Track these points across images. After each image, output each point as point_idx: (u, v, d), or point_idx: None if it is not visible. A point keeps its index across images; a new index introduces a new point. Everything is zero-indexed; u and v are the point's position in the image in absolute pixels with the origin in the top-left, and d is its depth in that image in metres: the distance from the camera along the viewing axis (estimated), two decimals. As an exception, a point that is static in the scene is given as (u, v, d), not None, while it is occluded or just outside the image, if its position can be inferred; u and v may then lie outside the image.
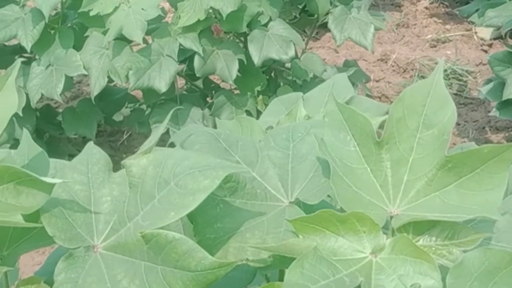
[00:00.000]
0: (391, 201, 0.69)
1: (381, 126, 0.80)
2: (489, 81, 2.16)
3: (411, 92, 0.73)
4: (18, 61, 0.70)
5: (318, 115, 0.98)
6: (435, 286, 0.60)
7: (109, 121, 2.31)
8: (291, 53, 1.92)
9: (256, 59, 1.91)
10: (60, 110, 2.38)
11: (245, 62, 1.95)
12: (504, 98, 2.00)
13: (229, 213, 0.70)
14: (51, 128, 2.27)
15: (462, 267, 0.61)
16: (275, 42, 1.91)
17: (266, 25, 1.95)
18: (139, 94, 2.41)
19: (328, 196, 0.74)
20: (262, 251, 0.67)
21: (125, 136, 2.59)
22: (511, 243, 0.69)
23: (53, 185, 0.63)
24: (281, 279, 0.80)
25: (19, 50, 2.20)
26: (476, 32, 3.15)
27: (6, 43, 2.18)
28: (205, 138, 0.74)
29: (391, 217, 0.68)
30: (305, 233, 0.66)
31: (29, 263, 2.08)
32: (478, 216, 0.66)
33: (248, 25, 1.94)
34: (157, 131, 0.74)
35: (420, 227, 0.66)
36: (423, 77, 2.86)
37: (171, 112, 0.83)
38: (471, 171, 0.68)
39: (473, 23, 3.07)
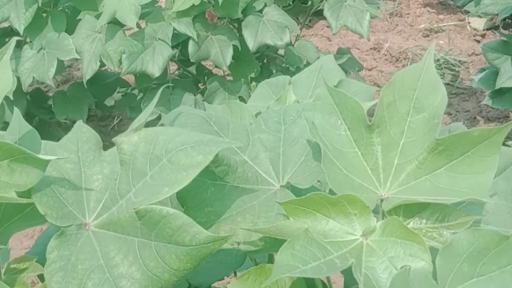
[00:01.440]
0: (382, 185, 0.70)
1: (370, 111, 0.80)
2: (482, 70, 2.17)
3: (402, 76, 0.73)
4: (13, 39, 0.70)
5: (308, 99, 0.98)
6: (425, 268, 0.61)
7: (100, 106, 2.30)
8: (286, 39, 1.91)
9: (251, 45, 1.90)
10: (51, 94, 2.37)
11: (240, 48, 1.95)
12: (497, 86, 2.01)
13: (220, 197, 0.70)
14: (41, 112, 2.26)
15: (452, 248, 0.62)
16: (270, 28, 1.91)
17: (261, 11, 1.94)
18: (130, 79, 2.40)
19: (318, 181, 0.74)
20: (253, 235, 0.68)
21: (115, 121, 2.59)
22: (500, 225, 0.69)
23: (47, 162, 0.63)
24: (270, 263, 0.80)
25: (10, 32, 2.18)
26: (469, 22, 3.15)
27: (-3, 26, 2.16)
28: (196, 120, 0.74)
29: (382, 200, 0.68)
30: (296, 216, 0.66)
31: (18, 246, 2.07)
32: (469, 198, 0.67)
33: (243, 11, 1.93)
34: (147, 109, 0.74)
35: (411, 209, 0.67)
36: (415, 66, 2.85)
37: (160, 89, 0.83)
38: (461, 154, 0.69)
39: (467, 12, 3.07)
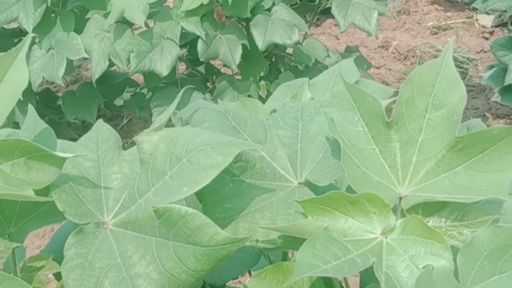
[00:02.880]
0: (400, 182, 0.69)
1: (386, 109, 0.80)
2: (491, 67, 2.15)
3: (421, 72, 0.73)
4: (29, 36, 0.69)
5: (324, 97, 0.97)
6: (446, 267, 0.60)
7: (109, 106, 2.30)
8: (295, 37, 1.91)
9: (260, 44, 1.90)
10: (60, 94, 2.37)
11: (248, 47, 1.94)
12: (506, 83, 2.00)
13: (238, 193, 0.70)
14: (51, 112, 2.26)
15: (472, 246, 0.61)
16: (278, 26, 1.90)
17: (269, 9, 1.94)
18: (139, 78, 2.40)
19: (335, 180, 0.73)
20: (272, 232, 0.67)
21: (124, 121, 2.59)
22: (519, 223, 0.69)
23: (64, 159, 0.62)
24: (284, 261, 0.80)
25: (18, 33, 2.19)
26: (477, 20, 3.14)
27: (5, 26, 2.16)
28: (214, 115, 0.74)
29: (400, 198, 0.68)
30: (315, 214, 0.65)
31: (29, 246, 2.08)
32: (488, 197, 0.66)
33: (251, 10, 1.93)
34: (168, 110, 0.73)
35: (430, 208, 0.66)
36: (424, 64, 2.85)
37: (181, 92, 0.82)
38: (480, 152, 0.68)
39: (475, 9, 3.06)
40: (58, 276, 0.73)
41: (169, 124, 0.79)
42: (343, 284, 0.77)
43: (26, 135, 0.71)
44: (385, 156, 0.70)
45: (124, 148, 0.72)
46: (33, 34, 0.75)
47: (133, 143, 0.71)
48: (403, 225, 0.64)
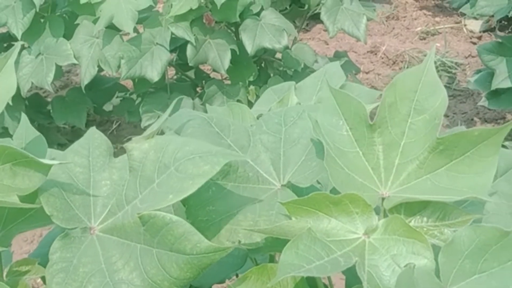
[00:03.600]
0: (383, 184, 0.70)
1: (371, 114, 0.81)
2: (478, 71, 2.18)
3: (403, 78, 0.74)
4: (18, 44, 0.70)
5: (310, 102, 0.98)
6: (428, 265, 0.61)
7: (98, 111, 2.31)
8: (284, 42, 1.92)
9: (250, 48, 1.91)
10: (49, 99, 2.37)
11: (237, 52, 1.96)
12: (493, 88, 2.02)
13: (221, 196, 0.70)
14: (40, 117, 2.26)
15: (453, 245, 0.62)
16: (267, 31, 1.92)
17: (258, 14, 1.95)
18: (129, 83, 2.41)
19: (318, 182, 0.74)
20: (254, 234, 0.68)
21: (114, 126, 2.59)
22: (501, 225, 0.70)
23: (49, 166, 0.63)
24: (271, 263, 0.80)
25: (7, 38, 2.19)
26: (465, 25, 3.16)
27: (-5, 32, 2.17)
28: (197, 122, 0.74)
29: (383, 199, 0.69)
30: (298, 215, 0.66)
31: (17, 251, 2.07)
32: (469, 197, 0.67)
33: (240, 15, 1.94)
34: (160, 119, 0.74)
35: (412, 208, 0.67)
36: (412, 69, 2.86)
37: (174, 101, 0.83)
38: (461, 154, 0.69)
39: (463, 14, 3.09)
40: (45, 279, 0.73)
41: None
42: (328, 285, 0.78)
43: (18, 143, 0.72)
44: (368, 159, 0.71)
45: (113, 153, 0.72)
46: (22, 42, 0.75)
47: (123, 149, 0.72)
48: (385, 225, 0.65)
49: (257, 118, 0.95)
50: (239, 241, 0.67)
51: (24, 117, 0.76)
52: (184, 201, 0.69)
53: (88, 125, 2.34)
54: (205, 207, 0.69)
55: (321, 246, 0.62)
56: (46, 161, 0.63)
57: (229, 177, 0.70)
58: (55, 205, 0.66)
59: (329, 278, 0.77)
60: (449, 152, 0.70)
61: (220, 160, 0.66)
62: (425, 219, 0.67)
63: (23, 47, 2.03)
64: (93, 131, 0.73)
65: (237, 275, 0.99)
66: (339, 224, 0.66)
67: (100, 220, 0.67)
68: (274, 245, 0.68)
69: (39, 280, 0.76)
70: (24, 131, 0.75)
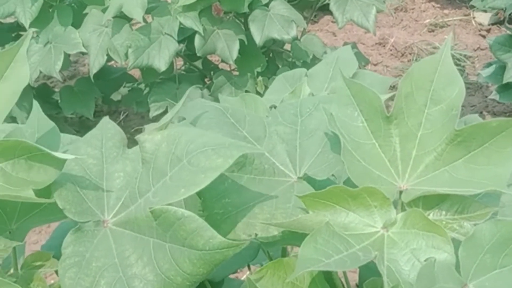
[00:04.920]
0: (400, 176, 0.69)
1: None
2: (488, 64, 2.16)
3: (419, 68, 0.73)
4: (30, 31, 0.69)
5: (323, 92, 0.97)
6: (448, 260, 0.60)
7: (107, 101, 2.30)
8: (293, 33, 1.90)
9: (258, 39, 1.89)
10: (56, 89, 2.36)
11: (246, 43, 1.94)
12: (505, 81, 2.00)
13: (237, 189, 0.69)
14: (48, 107, 2.25)
15: (474, 239, 0.61)
16: (276, 22, 1.90)
17: (267, 5, 1.93)
18: (137, 74, 2.40)
19: (332, 175, 0.73)
20: (271, 227, 0.67)
21: (122, 116, 2.58)
22: (517, 217, 0.69)
23: (64, 160, 0.62)
24: (283, 256, 0.80)
25: (15, 28, 2.18)
26: (474, 17, 3.14)
27: (2, 21, 2.15)
28: (212, 112, 0.73)
29: (400, 192, 0.68)
30: (315, 209, 0.65)
31: (26, 241, 2.07)
32: (488, 190, 0.66)
33: (249, 5, 1.92)
34: (174, 108, 0.73)
35: (430, 201, 0.66)
36: (421, 61, 2.85)
37: (187, 92, 0.82)
38: (479, 145, 0.68)
39: (472, 7, 3.06)
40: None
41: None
42: (343, 279, 0.77)
43: (30, 131, 0.70)
44: (384, 151, 0.70)
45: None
46: (34, 29, 0.74)
47: (130, 139, 0.71)
48: (404, 218, 0.64)
49: (270, 109, 0.94)
50: (256, 234, 0.66)
51: (36, 104, 0.74)
52: (200, 194, 0.68)
53: (95, 115, 2.34)
54: (221, 199, 0.68)
55: (340, 240, 0.61)
56: (61, 155, 0.61)
57: (245, 169, 0.69)
58: (68, 199, 0.65)
59: (344, 272, 0.77)
60: (467, 143, 0.69)
61: (234, 153, 0.64)
62: (443, 212, 0.66)
63: (31, 36, 2.02)
64: (106, 121, 0.72)
65: (248, 266, 0.98)
66: (357, 217, 0.65)
67: (113, 213, 0.65)
68: (291, 238, 0.67)
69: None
70: (36, 119, 0.74)
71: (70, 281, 0.62)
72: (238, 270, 1.02)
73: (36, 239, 2.11)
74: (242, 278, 1.69)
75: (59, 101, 2.17)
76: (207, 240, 0.61)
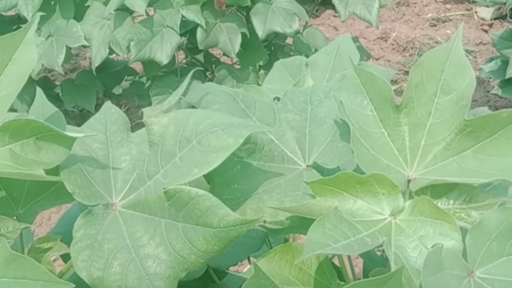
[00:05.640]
0: (409, 165, 0.69)
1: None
2: (491, 59, 2.16)
3: (430, 57, 0.73)
4: (37, 14, 0.69)
5: (325, 82, 0.96)
6: (455, 247, 0.60)
7: (108, 94, 2.29)
8: (295, 26, 1.90)
9: (260, 32, 1.89)
10: (58, 82, 2.36)
11: (248, 36, 1.94)
12: (507, 76, 2.00)
13: (246, 175, 0.70)
14: (49, 100, 2.24)
15: (481, 227, 0.61)
16: (279, 15, 1.90)
17: (269, -2, 1.93)
18: (138, 67, 2.39)
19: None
20: (279, 213, 0.67)
21: (123, 110, 2.57)
22: (525, 208, 0.69)
23: (74, 139, 0.62)
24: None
25: (17, 20, 2.17)
26: (476, 12, 3.14)
27: (4, 13, 2.15)
28: (223, 98, 0.73)
29: (409, 181, 0.68)
30: (323, 196, 0.65)
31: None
32: (496, 180, 0.66)
33: (251, -1, 1.92)
34: (177, 91, 0.73)
35: (438, 190, 0.66)
36: (422, 56, 2.85)
37: (191, 72, 0.82)
38: (489, 136, 0.68)
39: (474, 1, 3.06)
40: (65, 258, 0.73)
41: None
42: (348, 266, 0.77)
43: (35, 117, 0.70)
44: (393, 140, 0.71)
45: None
46: (41, 13, 0.74)
47: (133, 130, 0.71)
48: (412, 206, 0.64)
49: (273, 100, 0.94)
50: (264, 221, 0.67)
51: (39, 91, 0.75)
52: (210, 179, 0.68)
53: (96, 108, 2.34)
54: (230, 185, 0.68)
55: (348, 225, 0.62)
56: (70, 134, 0.62)
57: (255, 155, 0.69)
58: (76, 182, 0.65)
59: (349, 257, 0.77)
60: (476, 134, 0.69)
61: (243, 132, 0.65)
62: (451, 201, 0.66)
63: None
64: (108, 106, 0.72)
65: (248, 259, 0.99)
66: (365, 204, 0.65)
67: (121, 196, 0.66)
68: (299, 226, 0.67)
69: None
70: (41, 106, 0.74)
71: (84, 263, 0.63)
72: (239, 263, 1.02)
73: (37, 232, 2.11)
74: (244, 271, 1.69)
75: (60, 94, 2.17)
76: (221, 217, 0.62)
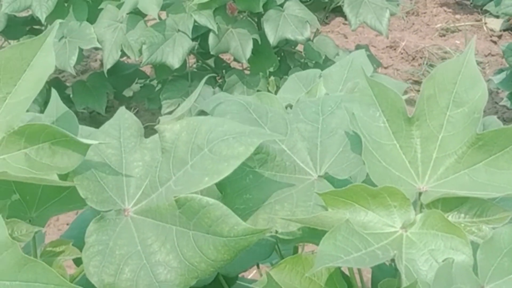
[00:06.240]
0: (420, 178, 0.69)
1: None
2: (500, 70, 2.16)
3: (442, 69, 0.73)
4: (57, 21, 0.69)
5: (338, 93, 0.97)
6: (466, 261, 0.60)
7: (118, 96, 2.31)
8: (307, 34, 1.91)
9: (272, 39, 1.90)
10: (68, 84, 2.37)
11: (259, 42, 1.95)
12: (517, 88, 2.00)
13: (258, 185, 0.70)
14: (60, 102, 2.26)
15: (493, 242, 0.61)
16: (290, 22, 1.91)
17: (281, 5, 1.94)
18: (149, 70, 2.40)
19: (349, 177, 0.74)
20: (291, 224, 0.67)
21: (132, 113, 2.59)
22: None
23: (88, 146, 0.63)
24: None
25: (30, 21, 2.19)
26: (485, 23, 3.14)
27: (17, 15, 2.16)
28: (235, 107, 0.74)
29: (420, 194, 0.68)
30: (335, 207, 0.66)
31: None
32: (508, 194, 0.66)
33: (263, 5, 1.93)
34: (190, 98, 0.74)
35: (449, 203, 0.66)
36: (431, 65, 2.85)
37: (205, 78, 0.83)
38: (501, 149, 0.68)
39: (484, 12, 3.06)
40: (77, 262, 0.73)
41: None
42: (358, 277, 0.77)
43: (49, 120, 0.71)
44: (405, 152, 0.71)
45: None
46: (60, 20, 0.74)
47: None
48: (424, 219, 0.64)
49: (286, 108, 0.94)
50: (276, 231, 0.67)
51: (54, 93, 0.75)
52: (221, 189, 0.69)
53: (106, 110, 2.35)
54: (242, 195, 0.69)
55: (359, 238, 0.62)
56: (85, 140, 0.62)
57: (267, 165, 0.70)
58: (89, 188, 0.66)
59: (359, 270, 0.77)
60: (488, 147, 0.69)
61: (254, 141, 0.65)
62: (462, 215, 0.66)
63: (43, 31, 2.03)
64: (123, 111, 0.73)
65: (257, 265, 0.99)
66: (376, 217, 0.65)
67: (134, 202, 0.66)
68: (310, 236, 0.68)
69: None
70: (55, 109, 0.74)
71: (95, 269, 0.63)
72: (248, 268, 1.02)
73: (45, 232, 2.11)
74: (249, 277, 1.70)
75: (71, 96, 2.18)
76: (231, 227, 0.62)
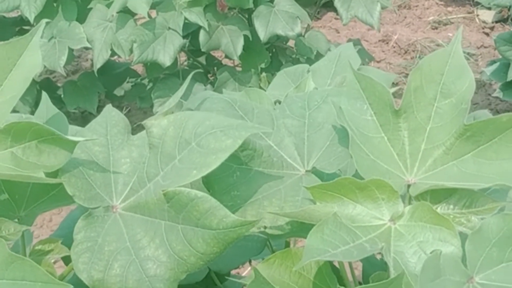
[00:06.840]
0: (408, 170, 0.69)
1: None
2: (492, 62, 2.16)
3: (429, 61, 0.73)
4: (43, 21, 0.69)
5: (327, 87, 0.97)
6: (455, 253, 0.60)
7: (110, 96, 2.30)
8: (297, 29, 1.90)
9: (262, 35, 1.90)
10: (59, 84, 2.36)
11: (250, 39, 1.94)
12: (509, 79, 2.00)
13: (245, 181, 0.70)
14: (51, 102, 2.25)
15: (481, 233, 0.61)
16: (281, 18, 1.90)
17: (272, 1, 1.93)
18: (140, 69, 2.40)
19: (338, 170, 0.73)
20: (280, 219, 0.67)
21: (124, 112, 2.58)
22: (525, 212, 0.69)
23: (75, 143, 0.63)
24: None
25: (19, 22, 2.18)
26: (478, 15, 3.14)
27: (6, 15, 2.16)
28: (221, 105, 0.74)
29: (408, 186, 0.68)
30: (323, 201, 0.66)
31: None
32: (496, 184, 0.66)
33: (253, 1, 1.92)
34: (177, 94, 0.74)
35: (438, 195, 0.66)
36: (424, 58, 2.85)
37: (191, 74, 0.82)
38: (489, 140, 0.68)
39: (476, 4, 3.06)
40: (66, 260, 0.73)
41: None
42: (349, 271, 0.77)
43: (39, 121, 0.71)
44: (393, 144, 0.71)
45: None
46: (47, 20, 0.74)
47: (134, 133, 0.71)
48: (412, 211, 0.64)
49: (274, 104, 0.94)
50: (265, 227, 0.67)
51: (44, 95, 0.75)
52: (209, 187, 0.68)
53: (98, 110, 2.34)
54: (230, 192, 0.68)
55: (347, 231, 0.62)
56: (72, 137, 0.62)
57: (254, 162, 0.70)
58: (77, 185, 0.66)
59: (350, 264, 0.77)
60: (476, 138, 0.69)
61: (242, 134, 0.65)
62: (451, 206, 0.66)
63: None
64: (109, 109, 0.73)
65: (249, 261, 0.99)
66: (364, 210, 0.65)
67: (122, 198, 0.67)
68: (299, 230, 0.67)
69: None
70: (45, 110, 0.74)
71: (84, 265, 0.63)
72: (240, 266, 1.03)
73: (38, 233, 2.11)
74: (244, 274, 1.69)
75: (62, 96, 2.17)
76: (220, 219, 0.62)
